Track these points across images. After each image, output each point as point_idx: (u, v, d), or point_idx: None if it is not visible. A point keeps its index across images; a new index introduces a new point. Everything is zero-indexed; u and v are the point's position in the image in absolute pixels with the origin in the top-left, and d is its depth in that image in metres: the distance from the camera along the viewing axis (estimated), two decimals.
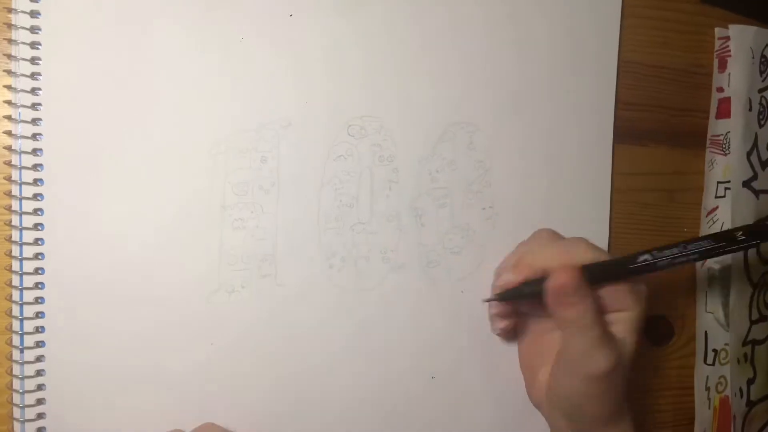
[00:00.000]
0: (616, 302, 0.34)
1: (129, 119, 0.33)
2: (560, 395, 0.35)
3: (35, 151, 0.32)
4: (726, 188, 0.45)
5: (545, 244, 0.36)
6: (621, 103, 0.43)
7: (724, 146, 0.45)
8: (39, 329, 0.32)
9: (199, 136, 0.34)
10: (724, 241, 0.28)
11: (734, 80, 0.45)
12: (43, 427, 0.32)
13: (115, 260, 0.33)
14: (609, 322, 0.34)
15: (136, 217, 0.33)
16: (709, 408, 0.46)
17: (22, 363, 0.32)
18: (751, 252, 0.46)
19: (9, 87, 0.31)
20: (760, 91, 0.46)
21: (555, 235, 0.37)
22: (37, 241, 0.32)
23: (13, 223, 0.31)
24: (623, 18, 0.43)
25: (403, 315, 0.38)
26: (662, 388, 0.46)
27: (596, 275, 0.33)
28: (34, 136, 0.32)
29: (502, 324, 0.37)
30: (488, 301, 0.37)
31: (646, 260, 0.32)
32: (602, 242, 0.43)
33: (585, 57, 0.42)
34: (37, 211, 0.32)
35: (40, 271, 0.32)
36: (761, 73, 0.46)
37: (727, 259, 0.45)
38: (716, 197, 0.46)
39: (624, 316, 0.34)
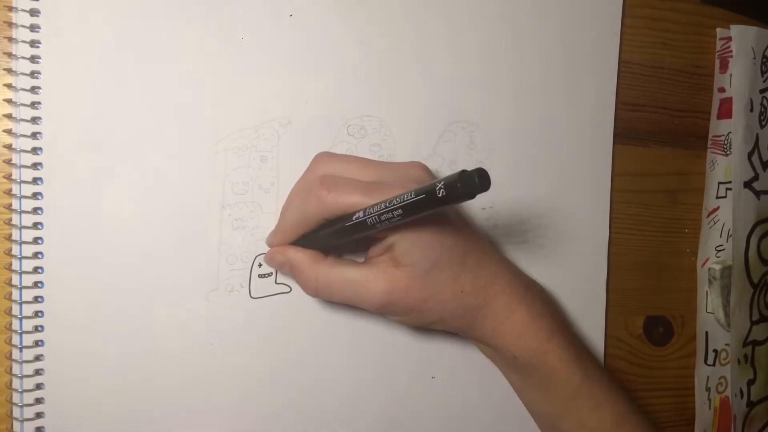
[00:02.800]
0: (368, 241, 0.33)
1: (128, 118, 0.33)
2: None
3: (35, 150, 0.32)
4: (727, 189, 0.45)
5: (296, 195, 0.34)
6: (621, 104, 0.43)
7: (725, 147, 0.45)
8: (38, 328, 0.32)
9: (198, 135, 0.34)
10: (425, 193, 0.25)
11: (735, 81, 0.45)
12: (42, 426, 0.32)
13: (115, 259, 0.33)
14: (379, 250, 0.32)
15: (136, 216, 0.33)
16: (710, 408, 0.46)
17: (21, 362, 0.32)
18: (752, 253, 0.46)
19: (9, 86, 0.31)
20: (762, 91, 0.46)
21: (308, 179, 0.33)
22: (37, 240, 0.32)
23: (12, 222, 0.31)
24: (624, 18, 0.43)
25: None
26: (662, 388, 0.46)
27: (320, 240, 0.32)
28: (34, 135, 0.32)
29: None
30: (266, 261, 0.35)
31: (359, 217, 0.29)
32: (602, 242, 0.43)
33: (585, 57, 0.42)
34: (36, 210, 0.32)
35: (39, 270, 0.32)
36: (762, 73, 0.46)
37: (728, 259, 0.45)
38: (717, 198, 0.46)
39: (389, 241, 0.31)
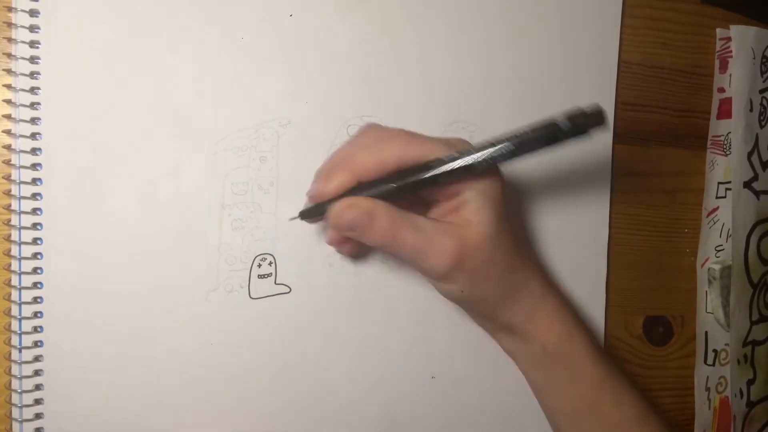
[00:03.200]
0: (445, 192, 0.31)
1: (128, 118, 0.33)
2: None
3: (34, 151, 0.32)
4: (727, 189, 0.45)
5: (368, 145, 0.32)
6: (621, 104, 0.43)
7: (725, 147, 0.45)
8: (37, 329, 0.32)
9: (198, 135, 0.34)
10: (545, 127, 0.25)
11: (735, 81, 0.45)
12: (41, 427, 0.32)
13: (114, 260, 0.33)
14: (444, 211, 0.32)
15: (135, 216, 0.33)
16: (709, 408, 0.46)
17: (21, 363, 0.31)
18: (752, 253, 0.46)
19: (8, 86, 0.31)
20: (761, 91, 0.46)
21: (381, 132, 0.32)
22: (36, 241, 0.32)
23: (12, 223, 0.31)
24: (624, 18, 0.43)
25: (403, 315, 0.38)
26: (662, 388, 0.46)
27: (399, 191, 0.30)
28: (33, 136, 0.32)
29: (341, 248, 0.34)
30: (293, 219, 0.33)
31: (459, 155, 0.28)
32: (602, 243, 0.42)
33: (585, 57, 0.42)
34: (35, 211, 0.32)
35: (38, 271, 0.32)
36: (762, 73, 0.46)
37: (727, 259, 0.45)
38: (717, 198, 0.46)
39: (462, 199, 0.31)
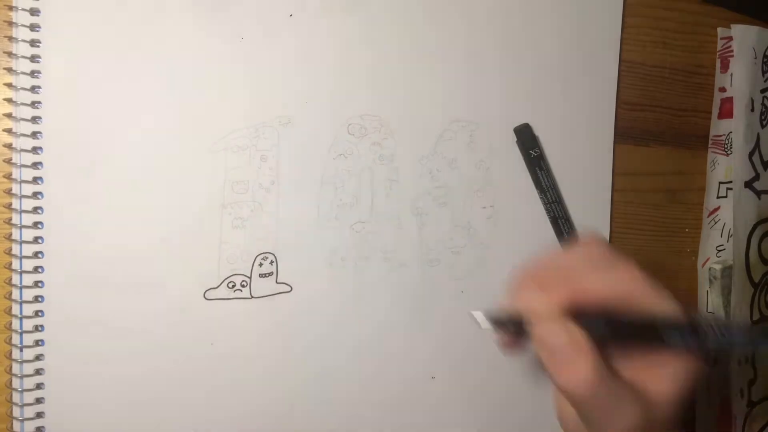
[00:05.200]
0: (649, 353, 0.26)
1: (129, 117, 0.33)
2: None
3: (35, 150, 0.32)
4: (728, 188, 0.45)
5: (596, 265, 0.27)
6: (622, 103, 0.43)
7: (726, 146, 0.45)
8: (38, 328, 0.32)
9: (199, 134, 0.34)
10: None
11: (737, 80, 0.45)
12: (42, 426, 0.32)
13: (115, 259, 0.33)
14: (636, 362, 0.26)
15: (136, 215, 0.33)
16: (710, 408, 0.46)
17: (22, 361, 0.32)
18: (753, 252, 0.46)
19: (9, 85, 0.31)
20: (763, 91, 0.46)
21: (607, 254, 0.27)
22: (37, 240, 0.32)
23: (12, 222, 0.31)
24: (624, 17, 0.43)
25: (403, 314, 0.38)
26: None
27: (619, 332, 0.26)
28: (34, 135, 0.32)
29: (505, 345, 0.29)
30: (486, 328, 0.29)
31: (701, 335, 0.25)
32: None
33: (586, 57, 0.42)
34: (36, 210, 0.32)
35: (39, 270, 0.32)
36: (763, 73, 0.46)
37: (728, 259, 0.45)
38: (718, 197, 0.45)
39: (663, 358, 0.26)
